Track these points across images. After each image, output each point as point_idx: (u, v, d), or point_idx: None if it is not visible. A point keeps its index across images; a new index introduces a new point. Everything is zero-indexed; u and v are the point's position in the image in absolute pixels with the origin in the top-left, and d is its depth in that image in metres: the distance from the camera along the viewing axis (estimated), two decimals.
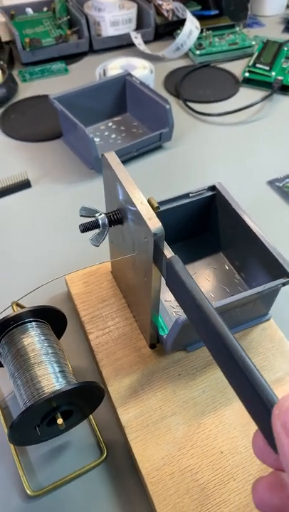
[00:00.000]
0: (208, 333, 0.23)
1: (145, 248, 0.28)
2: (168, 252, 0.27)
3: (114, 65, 0.67)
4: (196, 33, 0.75)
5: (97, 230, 0.31)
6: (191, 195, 0.41)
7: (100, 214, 0.31)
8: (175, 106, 0.67)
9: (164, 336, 0.35)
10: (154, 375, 0.36)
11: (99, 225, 0.31)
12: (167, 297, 0.40)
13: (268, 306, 0.38)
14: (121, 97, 0.63)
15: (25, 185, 0.54)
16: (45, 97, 0.65)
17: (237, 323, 0.38)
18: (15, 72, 0.74)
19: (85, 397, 0.31)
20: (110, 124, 0.63)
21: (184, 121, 0.64)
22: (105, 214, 0.31)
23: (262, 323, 0.39)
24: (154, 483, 0.30)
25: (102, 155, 0.31)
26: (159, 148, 0.60)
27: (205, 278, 0.42)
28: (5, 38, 0.76)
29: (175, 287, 0.27)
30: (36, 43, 0.73)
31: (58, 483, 0.32)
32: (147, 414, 0.33)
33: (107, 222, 0.31)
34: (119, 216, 0.31)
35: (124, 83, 0.62)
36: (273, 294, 0.36)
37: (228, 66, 0.75)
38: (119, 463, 0.33)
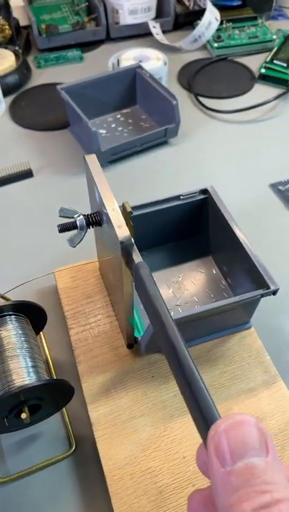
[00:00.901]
0: (163, 342, 0.24)
1: (117, 253, 0.28)
2: (136, 258, 0.27)
3: (128, 56, 0.67)
4: (215, 24, 0.73)
5: (75, 231, 0.31)
6: (182, 197, 0.41)
7: (79, 215, 0.31)
8: (186, 100, 0.66)
9: (139, 338, 0.35)
10: (127, 375, 0.36)
11: (76, 226, 0.31)
12: None
13: (249, 314, 0.38)
14: (131, 89, 0.62)
15: (27, 174, 0.55)
16: (57, 85, 0.65)
17: (215, 330, 0.38)
18: (30, 58, 0.74)
19: (54, 394, 0.32)
20: (119, 116, 0.63)
21: (193, 117, 0.63)
22: (84, 216, 0.31)
23: (242, 331, 0.38)
24: (114, 482, 0.31)
25: (84, 157, 0.31)
26: (164, 143, 0.60)
27: (191, 281, 0.42)
28: (23, 23, 0.76)
29: (140, 292, 0.27)
30: (53, 29, 0.72)
31: (25, 472, 0.33)
32: (117, 413, 0.34)
33: (85, 223, 0.31)
34: (97, 218, 0.31)
35: (135, 75, 0.61)
36: (253, 303, 0.36)
37: (245, 60, 0.73)
38: (87, 458, 0.34)
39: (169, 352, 0.22)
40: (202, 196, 0.41)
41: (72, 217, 0.31)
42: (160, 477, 0.31)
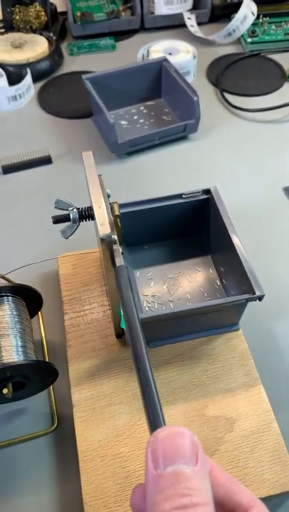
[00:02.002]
0: (130, 343, 0.25)
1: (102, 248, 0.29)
2: (118, 260, 0.29)
3: (157, 48, 0.67)
4: (250, 18, 0.72)
5: (68, 223, 0.33)
6: (184, 196, 0.41)
7: (73, 209, 0.32)
8: (212, 96, 0.66)
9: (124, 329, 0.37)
10: (112, 363, 0.38)
11: (70, 218, 0.32)
12: (145, 291, 0.42)
13: (236, 317, 0.38)
14: (156, 82, 0.63)
15: (46, 161, 0.56)
16: (87, 73, 0.66)
17: (202, 329, 0.39)
18: (64, 45, 0.75)
19: (39, 374, 0.34)
20: (142, 108, 0.64)
21: (216, 113, 0.63)
22: (77, 209, 0.32)
23: (229, 333, 0.39)
24: (86, 461, 0.33)
25: (81, 153, 0.32)
26: (183, 138, 0.60)
27: (187, 278, 0.43)
28: (61, 9, 0.78)
29: (118, 294, 0.29)
30: (88, 16, 0.73)
31: (7, 443, 0.36)
32: (97, 398, 0.36)
33: (77, 217, 0.32)
34: (90, 213, 0.33)
35: (161, 68, 0.61)
36: (240, 306, 0.37)
37: (278, 57, 0.71)
38: (67, 436, 0.36)
39: (133, 357, 0.24)
40: (204, 196, 0.42)
41: (67, 210, 0.32)
42: (129, 463, 0.33)
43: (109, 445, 0.34)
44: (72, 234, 0.33)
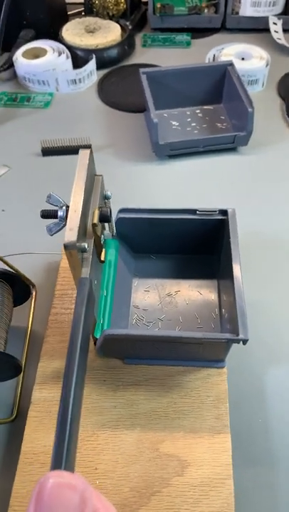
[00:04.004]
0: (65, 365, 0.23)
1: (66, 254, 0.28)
2: (83, 270, 0.27)
3: (229, 51, 0.63)
4: None
5: (56, 220, 0.32)
6: (198, 212, 0.38)
7: (63, 206, 0.31)
8: (277, 111, 0.61)
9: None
10: None
11: (57, 215, 0.31)
12: (137, 303, 0.40)
13: (222, 353, 0.35)
14: (218, 87, 0.59)
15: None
16: (153, 67, 0.64)
17: (182, 358, 0.36)
18: (140, 35, 0.74)
19: (2, 365, 0.34)
20: (198, 111, 0.60)
21: (276, 129, 0.59)
22: (67, 208, 0.31)
23: (213, 368, 0.36)
24: (25, 464, 0.32)
25: (79, 150, 0.31)
26: (232, 150, 0.56)
27: (185, 299, 0.40)
28: None
29: None
30: (168, 9, 0.71)
31: None
32: (56, 401, 0.35)
33: (64, 215, 0.31)
34: None
35: (225, 73, 0.58)
36: (223, 345, 0.33)
37: None
38: (21, 431, 0.36)
39: (62, 379, 0.22)
40: (220, 217, 0.38)
41: (56, 206, 0.31)
42: None
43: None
44: (57, 231, 0.31)
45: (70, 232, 0.26)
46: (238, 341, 0.31)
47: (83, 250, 0.27)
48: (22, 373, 0.38)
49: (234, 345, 0.33)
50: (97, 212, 0.29)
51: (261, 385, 0.37)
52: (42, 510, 0.17)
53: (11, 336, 0.38)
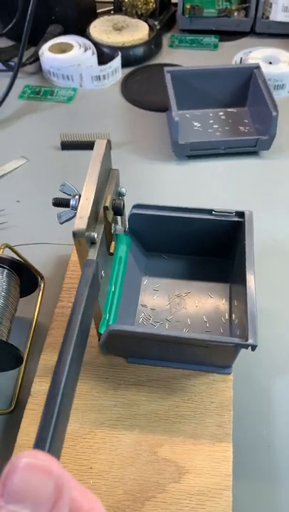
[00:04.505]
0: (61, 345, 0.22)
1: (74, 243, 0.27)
2: (90, 254, 0.26)
3: (257, 55, 0.62)
4: None
5: (67, 209, 0.31)
6: (214, 212, 0.37)
7: (75, 195, 0.30)
8: None
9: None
10: (84, 366, 0.35)
11: (69, 204, 0.30)
12: (145, 301, 0.39)
13: (228, 359, 0.34)
14: (243, 90, 0.58)
15: None
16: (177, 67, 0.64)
17: (187, 360, 0.35)
18: (167, 36, 0.73)
19: (3, 355, 0.33)
20: (221, 113, 0.59)
21: None
22: (79, 197, 0.30)
23: (218, 374, 0.35)
24: None
25: (96, 140, 0.30)
26: (253, 154, 0.55)
27: (194, 301, 0.39)
28: None
29: None
30: (197, 11, 0.70)
31: None
32: None
33: (76, 204, 0.30)
34: None
35: (251, 75, 0.57)
36: (230, 350, 0.32)
37: None
38: (19, 422, 0.35)
39: (56, 361, 0.21)
40: (236, 219, 0.37)
41: (69, 195, 0.31)
42: None
43: None
44: (67, 220, 0.31)
45: (80, 220, 0.25)
46: (246, 347, 0.30)
47: (92, 241, 0.26)
48: (24, 364, 0.37)
49: (242, 353, 0.32)
50: (109, 197, 0.28)
51: (268, 396, 0.36)
52: (8, 495, 0.15)
53: (16, 326, 0.38)
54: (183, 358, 0.34)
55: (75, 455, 0.31)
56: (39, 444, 0.17)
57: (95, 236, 0.26)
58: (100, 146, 0.29)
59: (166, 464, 0.31)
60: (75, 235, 0.25)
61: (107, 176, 0.33)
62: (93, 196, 0.27)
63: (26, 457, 0.15)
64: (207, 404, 0.33)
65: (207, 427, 0.32)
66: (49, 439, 0.17)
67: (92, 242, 0.26)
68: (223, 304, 0.39)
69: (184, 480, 0.30)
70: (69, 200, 0.31)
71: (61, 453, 0.18)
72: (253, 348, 0.30)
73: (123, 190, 0.31)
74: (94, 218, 0.27)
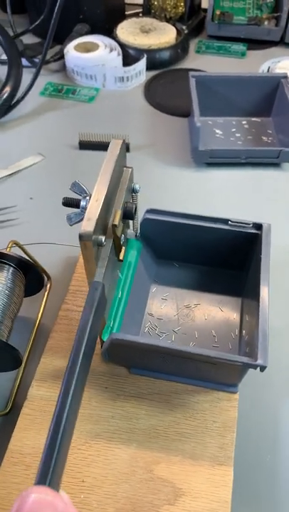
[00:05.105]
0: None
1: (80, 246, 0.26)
2: (98, 271, 0.25)
3: (284, 65, 0.61)
4: None
5: (77, 210, 0.30)
6: (230, 222, 0.36)
7: (86, 196, 0.29)
8: None
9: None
10: None
11: (79, 205, 0.29)
12: (153, 310, 0.37)
13: (235, 378, 0.32)
14: (269, 99, 0.57)
15: None
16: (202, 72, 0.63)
17: (192, 376, 0.33)
18: (195, 41, 0.72)
19: (2, 356, 0.32)
20: (244, 122, 0.58)
21: None
22: (90, 197, 0.29)
23: (223, 392, 0.33)
24: (9, 463, 0.30)
25: (111, 140, 0.29)
26: (276, 165, 0.53)
27: (204, 314, 0.37)
28: (205, 5, 0.74)
29: None
30: (227, 17, 0.69)
31: None
32: (52, 402, 0.33)
33: (86, 206, 0.29)
34: None
35: (278, 85, 0.55)
36: (237, 369, 0.30)
37: None
38: (14, 425, 0.34)
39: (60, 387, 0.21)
40: (254, 231, 0.36)
41: (80, 195, 0.29)
42: None
43: (39, 458, 0.30)
44: (78, 222, 0.29)
45: (88, 222, 0.24)
46: (255, 367, 0.28)
47: (100, 244, 0.25)
48: (24, 366, 0.36)
49: (250, 372, 0.31)
50: (119, 213, 0.27)
51: (275, 420, 0.34)
52: None
53: (19, 326, 0.37)
54: (187, 373, 0.33)
55: (68, 467, 0.30)
56: (42, 480, 0.18)
57: (103, 240, 0.25)
58: (114, 147, 0.28)
59: (162, 484, 0.29)
60: (82, 237, 0.24)
61: (120, 175, 0.32)
62: (103, 198, 0.25)
63: (34, 492, 0.17)
64: (209, 423, 0.32)
65: (207, 448, 0.31)
66: (50, 475, 0.19)
67: (100, 245, 0.25)
68: (233, 319, 0.37)
69: (179, 503, 0.28)
70: (79, 200, 0.29)
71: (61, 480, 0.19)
72: (262, 368, 0.28)
73: (137, 186, 0.30)
74: (103, 221, 0.26)
